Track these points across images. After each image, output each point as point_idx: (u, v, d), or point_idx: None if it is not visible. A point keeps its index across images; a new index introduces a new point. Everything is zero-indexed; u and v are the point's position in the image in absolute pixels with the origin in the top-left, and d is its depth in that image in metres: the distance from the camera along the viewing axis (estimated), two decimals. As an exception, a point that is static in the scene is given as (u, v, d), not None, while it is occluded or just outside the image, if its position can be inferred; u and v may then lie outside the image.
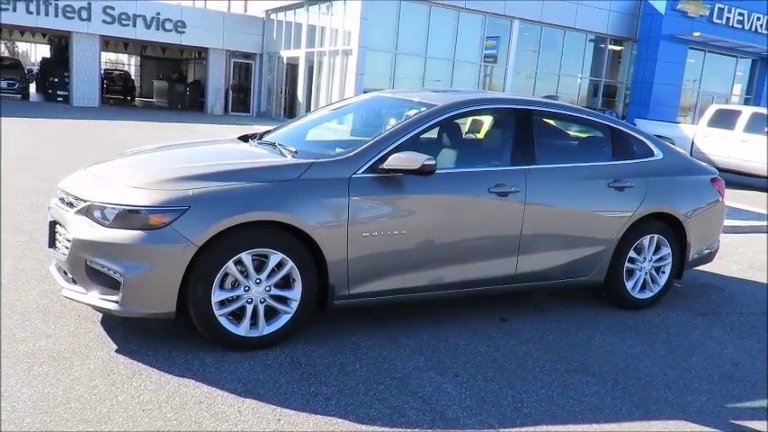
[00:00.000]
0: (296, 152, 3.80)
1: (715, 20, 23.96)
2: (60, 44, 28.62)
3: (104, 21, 23.15)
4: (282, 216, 3.30)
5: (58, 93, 24.37)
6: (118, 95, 31.65)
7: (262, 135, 4.64)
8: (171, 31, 24.38)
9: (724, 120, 14.52)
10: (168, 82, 33.31)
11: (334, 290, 3.54)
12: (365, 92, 19.95)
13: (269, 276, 3.36)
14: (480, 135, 4.37)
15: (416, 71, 21.06)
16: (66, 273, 3.48)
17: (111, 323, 3.59)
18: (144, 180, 3.35)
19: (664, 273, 4.76)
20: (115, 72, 34.72)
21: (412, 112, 4.04)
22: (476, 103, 4.18)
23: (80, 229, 3.25)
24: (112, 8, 23.16)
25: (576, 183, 4.27)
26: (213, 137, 5.28)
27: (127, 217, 3.17)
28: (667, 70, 23.92)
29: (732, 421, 3.09)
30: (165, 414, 2.70)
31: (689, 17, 23.42)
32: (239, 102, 27.26)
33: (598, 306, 4.66)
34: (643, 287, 4.69)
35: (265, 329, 3.41)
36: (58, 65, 25.83)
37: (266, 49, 26.22)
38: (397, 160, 3.55)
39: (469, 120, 4.24)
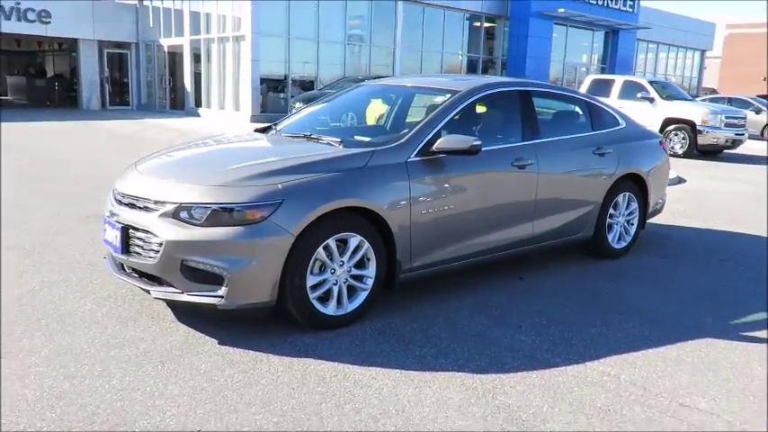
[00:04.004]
0: (341, 142, 4.06)
1: (575, -3, 26.22)
2: None
3: (-46, 12, 20.88)
4: (361, 202, 3.59)
5: None
6: (-33, 93, 28.64)
7: (275, 127, 4.84)
8: (34, 21, 22.44)
9: (600, 89, 16.22)
10: (26, 77, 30.60)
11: (400, 265, 3.88)
12: (261, 79, 19.81)
13: (350, 258, 3.64)
14: (497, 116, 4.84)
15: (310, 55, 21.13)
16: (141, 276, 3.54)
17: (191, 321, 3.67)
18: (227, 178, 3.47)
19: (633, 224, 5.56)
20: (-40, 68, 31.29)
21: (438, 99, 4.43)
22: (491, 86, 4.64)
23: (171, 230, 3.33)
24: (-38, -3, 20.93)
25: (571, 152, 4.90)
26: (223, 134, 5.37)
27: (221, 215, 3.31)
28: (537, 45, 25.92)
29: (741, 333, 3.86)
30: (314, 389, 2.94)
31: (553, -5, 25.44)
32: (117, 95, 25.78)
33: (579, 261, 5.33)
34: (619, 239, 5.46)
35: (348, 307, 3.69)
36: None
37: (142, 38, 24.92)
38: (447, 143, 3.93)
39: (486, 102, 4.70)
